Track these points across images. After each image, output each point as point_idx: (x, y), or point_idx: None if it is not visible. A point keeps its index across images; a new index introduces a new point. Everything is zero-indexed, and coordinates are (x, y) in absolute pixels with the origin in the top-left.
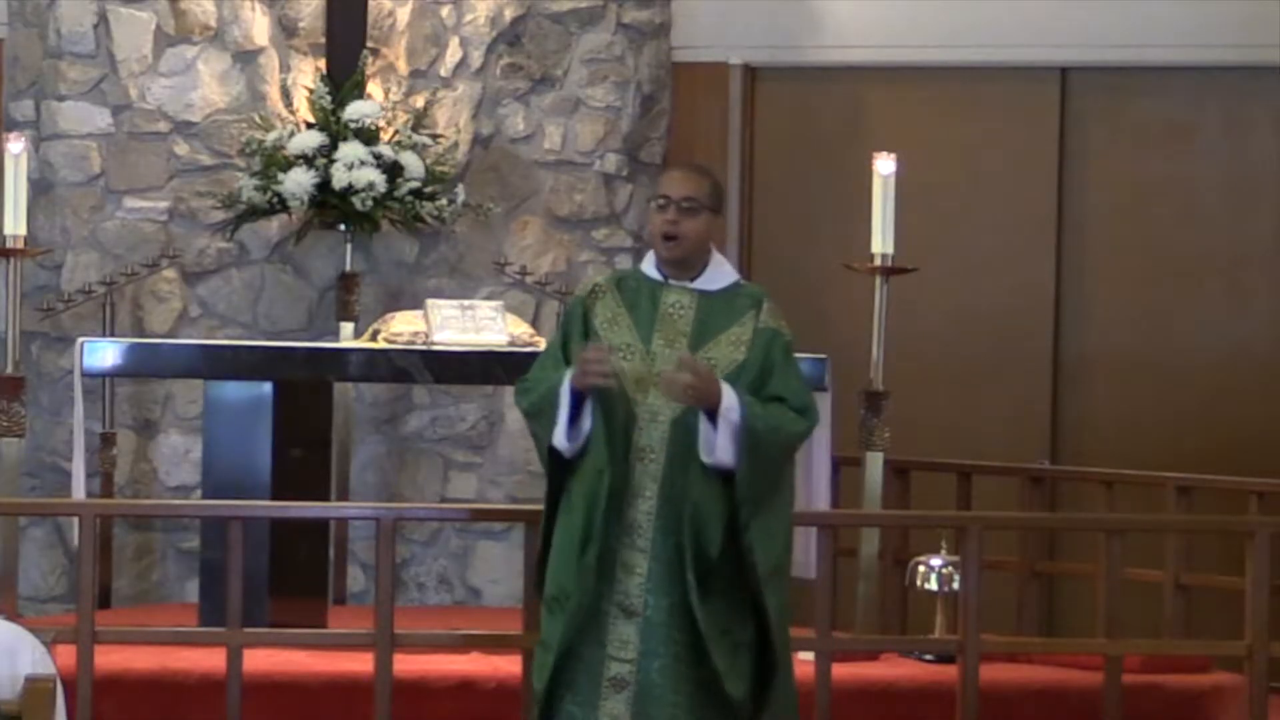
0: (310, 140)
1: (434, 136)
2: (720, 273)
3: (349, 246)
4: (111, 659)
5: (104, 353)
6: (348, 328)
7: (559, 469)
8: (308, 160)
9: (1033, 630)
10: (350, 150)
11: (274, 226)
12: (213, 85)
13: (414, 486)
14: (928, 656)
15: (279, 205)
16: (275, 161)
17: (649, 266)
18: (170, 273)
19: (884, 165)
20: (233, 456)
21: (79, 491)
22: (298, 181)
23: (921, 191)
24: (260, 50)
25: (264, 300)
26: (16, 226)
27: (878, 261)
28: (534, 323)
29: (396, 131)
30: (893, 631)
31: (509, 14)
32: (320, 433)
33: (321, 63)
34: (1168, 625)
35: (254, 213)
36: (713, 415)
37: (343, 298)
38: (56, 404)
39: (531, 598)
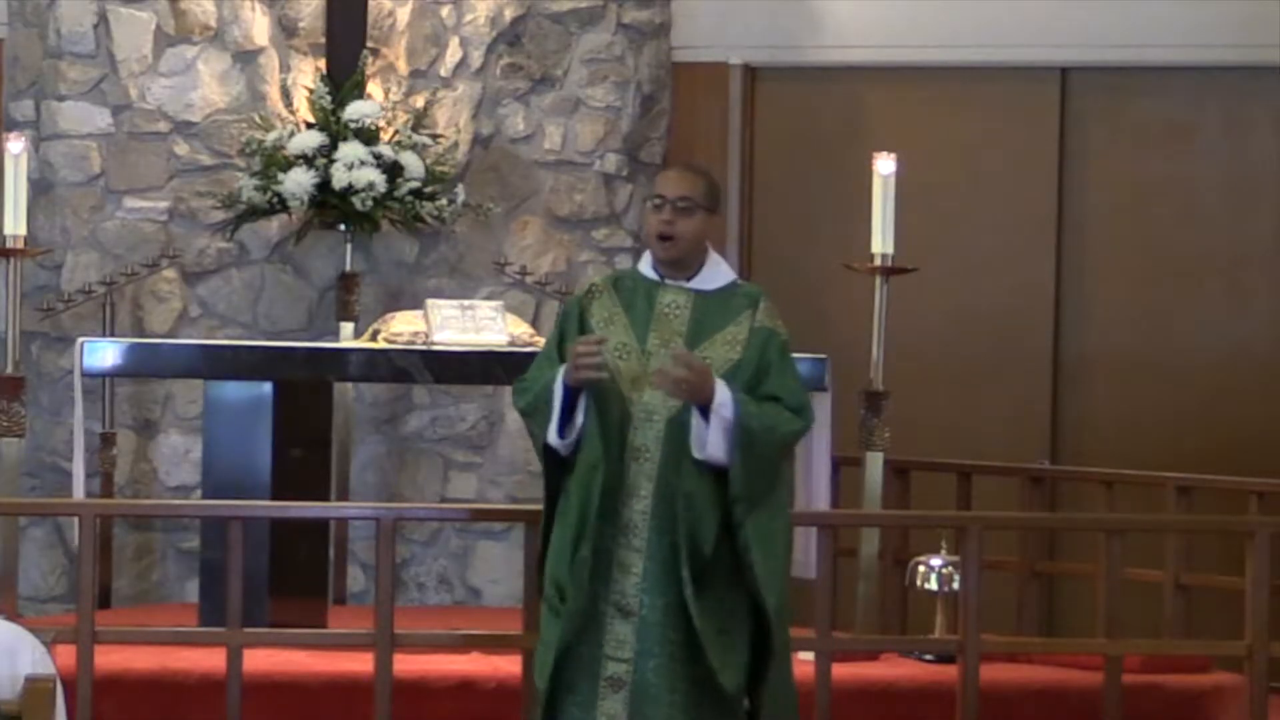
0: (310, 140)
1: (434, 136)
2: (717, 272)
3: (349, 246)
4: (111, 659)
5: (104, 353)
6: (348, 328)
7: (555, 468)
8: (308, 160)
9: (1033, 630)
10: (350, 150)
11: (274, 226)
12: (213, 85)
13: (414, 486)
14: (928, 656)
15: (279, 205)
16: (275, 161)
17: (646, 266)
18: (170, 273)
19: (884, 165)
20: (233, 456)
21: (79, 491)
22: (298, 181)
23: (921, 191)
24: (260, 50)
25: (264, 300)
26: (16, 226)
27: (878, 261)
28: (534, 323)
29: (396, 131)
30: (893, 631)
31: (509, 14)
32: (320, 433)
33: (321, 63)
34: (1168, 625)
35: (254, 213)
36: (706, 411)
37: (343, 298)
38: (56, 404)
39: (531, 598)
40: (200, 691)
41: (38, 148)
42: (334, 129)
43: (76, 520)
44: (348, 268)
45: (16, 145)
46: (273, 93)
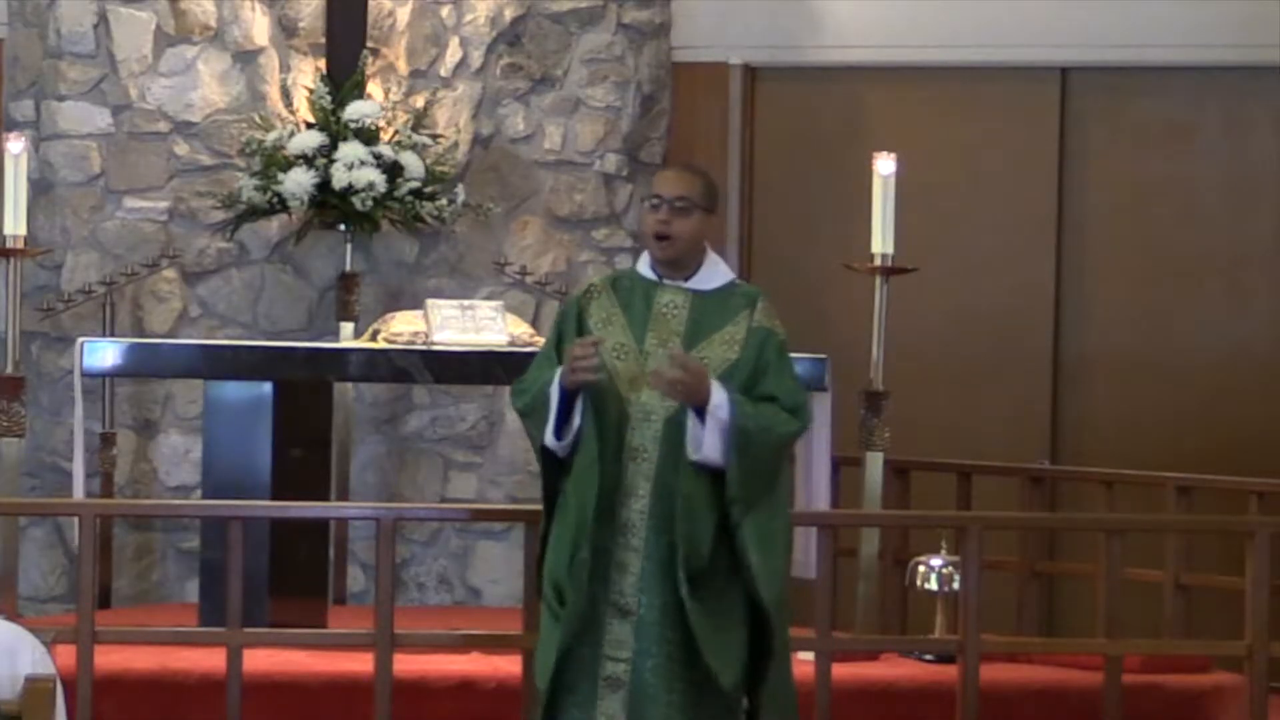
0: (310, 140)
1: (434, 136)
2: (715, 272)
3: (349, 246)
4: (111, 659)
5: (104, 353)
6: (348, 328)
7: (553, 469)
8: (308, 160)
9: (1033, 630)
10: (350, 150)
11: (274, 226)
12: (213, 85)
13: (414, 486)
14: (928, 656)
15: (279, 205)
16: (275, 161)
17: (644, 266)
18: (170, 273)
19: (884, 165)
20: (233, 456)
21: (79, 491)
22: (298, 181)
23: (921, 191)
24: (260, 50)
25: (264, 300)
26: (16, 226)
27: (878, 261)
28: (534, 323)
29: (396, 131)
30: (893, 631)
31: (509, 14)
32: (320, 433)
33: (321, 63)
34: (1168, 625)
35: (254, 213)
36: (702, 412)
37: (343, 298)
38: (56, 404)
39: (531, 598)
40: (200, 691)
41: (38, 148)
42: (334, 129)
43: (76, 520)
44: (348, 268)
45: (16, 145)
46: (273, 93)
